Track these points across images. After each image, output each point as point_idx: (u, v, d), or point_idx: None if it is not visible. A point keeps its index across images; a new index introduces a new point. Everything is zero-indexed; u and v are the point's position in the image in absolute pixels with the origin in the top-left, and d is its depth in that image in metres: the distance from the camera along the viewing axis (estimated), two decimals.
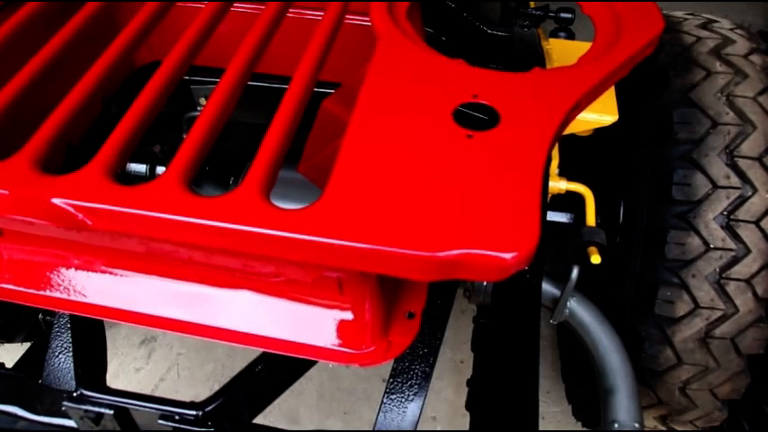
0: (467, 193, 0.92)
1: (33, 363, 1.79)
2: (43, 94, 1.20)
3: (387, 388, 1.52)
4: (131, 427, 1.40)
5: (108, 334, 1.76)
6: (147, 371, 2.97)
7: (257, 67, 1.24)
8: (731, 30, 2.01)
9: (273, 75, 1.74)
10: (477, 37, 2.09)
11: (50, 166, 1.02)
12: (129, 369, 2.97)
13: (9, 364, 1.82)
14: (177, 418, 1.34)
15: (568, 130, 1.65)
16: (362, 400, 2.85)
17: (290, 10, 1.41)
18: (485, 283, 1.58)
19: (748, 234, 1.69)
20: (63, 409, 1.39)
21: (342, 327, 1.20)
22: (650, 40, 1.25)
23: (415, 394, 1.52)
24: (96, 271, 1.27)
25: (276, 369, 1.54)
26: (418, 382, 1.53)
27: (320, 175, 1.26)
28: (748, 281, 1.70)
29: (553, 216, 2.02)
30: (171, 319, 1.22)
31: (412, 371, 1.54)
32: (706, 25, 2.04)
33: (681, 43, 1.95)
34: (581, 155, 2.05)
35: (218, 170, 2.02)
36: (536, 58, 1.92)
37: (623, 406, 1.59)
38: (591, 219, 1.79)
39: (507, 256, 0.85)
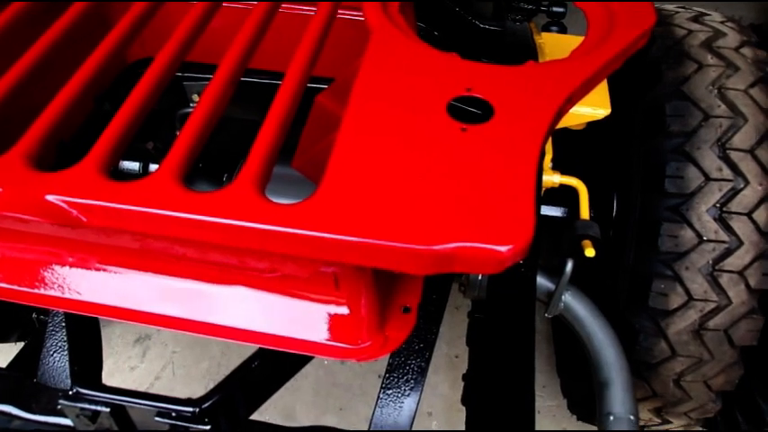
0: (462, 187, 0.92)
1: (28, 362, 1.79)
2: (34, 91, 1.20)
3: (383, 383, 1.52)
4: (128, 424, 1.40)
5: (102, 333, 1.75)
6: (142, 369, 2.96)
7: (249, 63, 1.23)
8: (722, 23, 2.02)
9: (265, 70, 1.74)
10: (470, 31, 2.09)
11: (43, 163, 1.02)
12: (124, 368, 2.96)
13: (3, 364, 1.82)
14: (174, 415, 1.34)
15: (561, 124, 1.65)
16: (358, 395, 2.85)
17: (282, 5, 1.41)
18: (480, 277, 1.58)
19: (741, 226, 1.70)
20: (59, 407, 1.39)
21: (338, 322, 1.20)
22: (642, 32, 1.25)
23: (411, 389, 1.53)
24: (91, 268, 1.26)
25: (272, 365, 1.54)
26: (414, 377, 1.53)
27: (314, 169, 1.26)
28: (741, 272, 1.71)
29: (547, 210, 2.03)
30: (168, 316, 1.22)
31: (408, 366, 1.54)
32: (697, 18, 2.04)
33: (672, 36, 1.95)
34: (574, 148, 2.05)
35: (211, 166, 2.02)
36: (529, 51, 1.93)
37: (618, 399, 1.59)
38: (585, 212, 1.80)
39: (503, 248, 0.86)
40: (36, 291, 1.29)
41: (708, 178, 1.71)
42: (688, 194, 1.72)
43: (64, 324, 1.61)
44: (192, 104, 1.98)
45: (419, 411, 1.53)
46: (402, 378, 1.53)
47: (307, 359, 1.57)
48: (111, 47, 1.22)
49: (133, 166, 1.96)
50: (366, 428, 1.53)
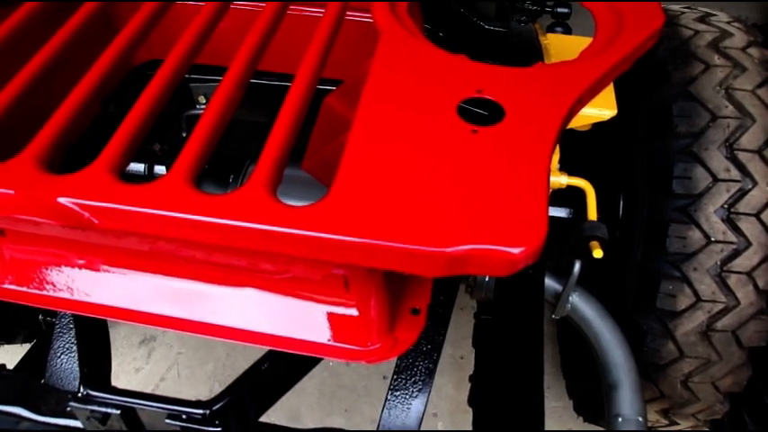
0: (473, 189, 0.92)
1: (35, 363, 1.79)
2: (42, 93, 1.20)
3: (390, 385, 1.52)
4: (138, 426, 1.39)
5: None
6: (147, 371, 2.96)
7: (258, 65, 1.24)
8: (728, 23, 2.02)
9: (273, 72, 1.74)
10: (475, 32, 2.09)
11: (52, 165, 1.02)
12: (129, 369, 2.96)
13: (10, 365, 1.82)
14: (184, 417, 1.33)
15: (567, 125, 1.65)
16: (363, 396, 2.85)
17: (291, 7, 1.41)
18: (487, 279, 1.58)
19: (749, 227, 1.69)
20: (69, 409, 1.38)
21: (348, 324, 1.20)
22: (651, 33, 1.25)
23: (419, 391, 1.52)
24: (100, 270, 1.26)
25: (282, 367, 1.53)
26: (422, 378, 1.53)
27: (324, 171, 1.26)
28: (749, 273, 1.70)
29: (554, 211, 2.02)
30: (178, 318, 1.22)
31: (415, 367, 1.54)
32: (704, 18, 2.04)
33: (679, 37, 1.95)
34: (579, 149, 2.04)
35: (218, 168, 2.02)
36: (534, 53, 1.92)
37: (627, 400, 1.59)
38: (592, 213, 1.79)
39: (516, 250, 0.86)
40: (44, 293, 1.30)
41: (715, 179, 1.71)
42: (696, 195, 1.72)
43: (71, 326, 1.61)
44: (198, 106, 1.98)
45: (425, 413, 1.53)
46: (410, 380, 1.53)
47: (316, 361, 1.57)
48: (119, 50, 1.22)
49: (138, 167, 1.96)
50: (373, 430, 1.53)
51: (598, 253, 1.68)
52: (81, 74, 1.15)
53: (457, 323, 2.96)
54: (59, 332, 1.61)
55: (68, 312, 1.59)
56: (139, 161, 1.95)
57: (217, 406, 1.38)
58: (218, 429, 1.34)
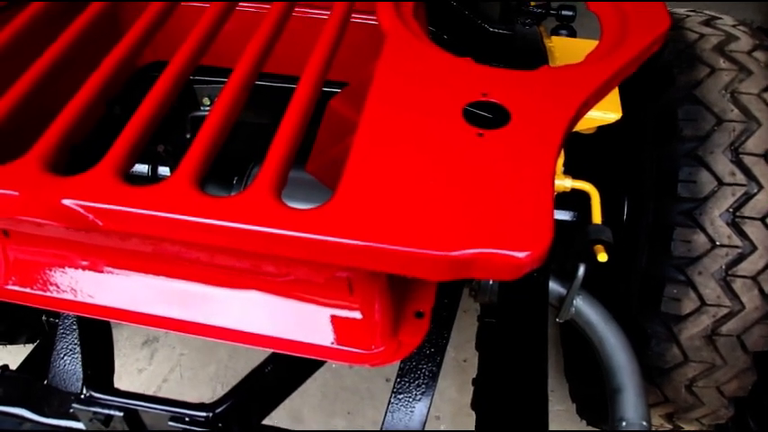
0: (479, 192, 0.92)
1: (37, 365, 1.79)
2: (48, 95, 1.20)
3: (394, 387, 1.52)
4: (141, 429, 1.39)
5: None
6: (149, 372, 2.96)
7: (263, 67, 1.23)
8: (734, 26, 2.01)
9: (278, 74, 1.74)
10: (480, 35, 2.08)
11: (57, 167, 1.02)
12: (132, 370, 2.96)
13: (12, 366, 1.82)
14: (187, 419, 1.33)
15: None
16: (366, 399, 2.84)
17: (296, 9, 1.41)
18: (491, 282, 1.58)
19: (754, 231, 1.68)
20: (72, 411, 1.38)
21: (352, 327, 1.19)
22: (657, 36, 1.25)
23: (422, 394, 1.52)
24: (103, 272, 1.26)
25: (285, 370, 1.53)
26: (425, 381, 1.53)
27: (329, 174, 1.26)
28: (754, 278, 1.69)
29: (558, 214, 2.02)
30: (181, 320, 1.22)
31: (419, 370, 1.54)
32: (709, 22, 2.03)
33: (684, 40, 1.95)
34: (584, 152, 2.04)
35: (221, 170, 2.02)
36: (539, 56, 1.92)
37: (631, 404, 1.59)
38: (597, 216, 1.79)
39: (521, 255, 0.85)
40: (48, 294, 1.29)
41: (721, 183, 1.70)
42: (701, 199, 1.71)
43: (75, 327, 1.61)
44: (202, 107, 1.98)
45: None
46: (413, 383, 1.53)
47: (319, 364, 1.57)
48: (125, 52, 1.22)
49: (142, 168, 1.96)
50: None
51: (603, 256, 1.68)
52: (86, 75, 1.15)
53: (460, 326, 2.95)
54: (62, 333, 1.61)
55: (71, 314, 1.59)
56: (143, 162, 1.95)
57: (220, 409, 1.38)
58: None
